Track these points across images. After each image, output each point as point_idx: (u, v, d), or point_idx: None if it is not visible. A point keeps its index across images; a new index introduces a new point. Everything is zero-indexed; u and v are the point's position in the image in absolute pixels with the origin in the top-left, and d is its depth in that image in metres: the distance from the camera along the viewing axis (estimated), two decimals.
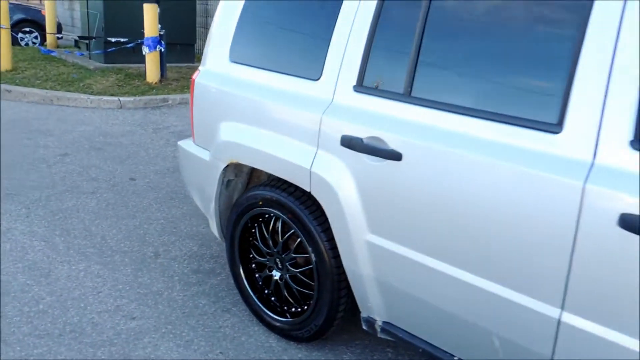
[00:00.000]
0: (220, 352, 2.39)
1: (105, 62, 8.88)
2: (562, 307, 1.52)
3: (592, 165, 1.42)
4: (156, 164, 4.85)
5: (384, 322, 2.11)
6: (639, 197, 1.33)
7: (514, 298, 1.61)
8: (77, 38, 10.29)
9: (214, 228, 2.69)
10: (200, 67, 2.60)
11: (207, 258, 3.22)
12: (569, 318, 1.51)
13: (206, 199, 2.64)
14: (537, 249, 1.52)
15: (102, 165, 4.70)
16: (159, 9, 7.80)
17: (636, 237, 1.34)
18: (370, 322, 2.14)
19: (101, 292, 2.80)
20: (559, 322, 1.53)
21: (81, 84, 7.56)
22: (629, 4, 1.40)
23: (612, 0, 1.42)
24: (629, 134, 1.38)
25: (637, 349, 1.39)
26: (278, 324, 2.46)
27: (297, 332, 2.39)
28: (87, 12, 9.41)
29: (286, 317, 2.45)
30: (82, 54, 9.67)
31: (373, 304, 2.08)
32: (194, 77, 2.59)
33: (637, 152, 1.36)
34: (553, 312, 1.53)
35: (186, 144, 2.73)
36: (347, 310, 2.28)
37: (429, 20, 1.77)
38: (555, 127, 1.49)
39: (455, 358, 1.90)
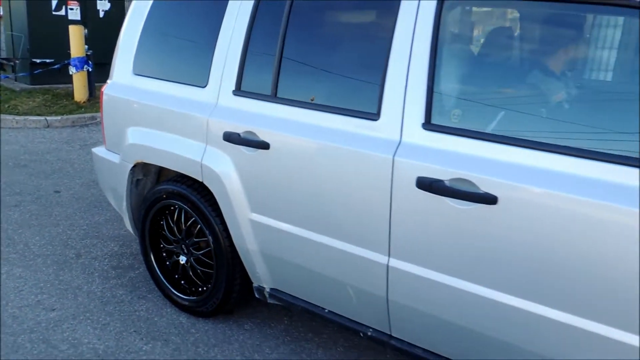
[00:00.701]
0: (134, 331, 2.70)
1: (32, 84, 8.91)
2: (389, 255, 1.96)
3: (399, 143, 1.88)
4: (82, 177, 5.06)
5: (271, 289, 2.50)
6: (428, 164, 1.79)
7: (356, 252, 2.04)
8: (2, 61, 10.23)
9: (128, 224, 3.01)
10: (109, 80, 2.93)
11: (127, 255, 3.51)
12: (395, 263, 1.95)
13: (119, 197, 2.95)
14: (366, 209, 1.96)
15: (26, 181, 4.87)
16: (86, 30, 7.98)
17: (428, 194, 1.79)
18: (260, 290, 2.53)
19: (22, 291, 3.04)
20: (387, 267, 1.97)
21: (6, 105, 7.60)
22: (419, 17, 1.87)
23: (407, 18, 1.89)
24: (421, 119, 1.84)
25: (453, 284, 1.82)
26: (186, 303, 2.80)
27: (202, 307, 2.74)
28: (12, 34, 9.42)
29: (193, 296, 2.79)
30: (7, 77, 9.63)
31: (260, 273, 2.47)
32: (103, 89, 2.92)
33: (427, 132, 1.83)
34: (382, 259, 1.97)
35: (99, 150, 3.04)
36: (243, 284, 2.64)
37: (287, 30, 2.20)
38: (374, 115, 1.95)
39: (326, 310, 2.31)
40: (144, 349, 2.56)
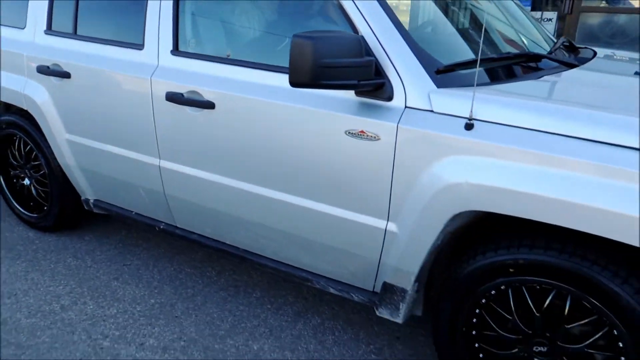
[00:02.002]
0: None
1: None
2: (159, 157, 2.47)
3: (157, 67, 2.37)
4: None
5: (95, 200, 2.98)
6: (173, 81, 2.29)
7: (138, 157, 2.54)
8: None
9: None
10: None
11: None
12: (164, 163, 2.46)
13: None
14: (140, 121, 2.45)
15: None
16: None
17: (174, 104, 2.29)
18: (87, 201, 3.01)
19: None
20: (159, 167, 2.48)
21: None
22: None
23: None
24: (170, 47, 2.34)
25: (201, 175, 2.33)
26: (33, 220, 3.26)
27: (44, 223, 3.21)
28: None
29: (38, 213, 3.25)
30: None
31: (83, 187, 2.95)
32: None
33: (174, 57, 2.32)
34: (155, 161, 2.48)
35: None
36: (76, 200, 3.11)
37: None
38: (140, 46, 2.42)
39: (133, 212, 2.82)
40: None
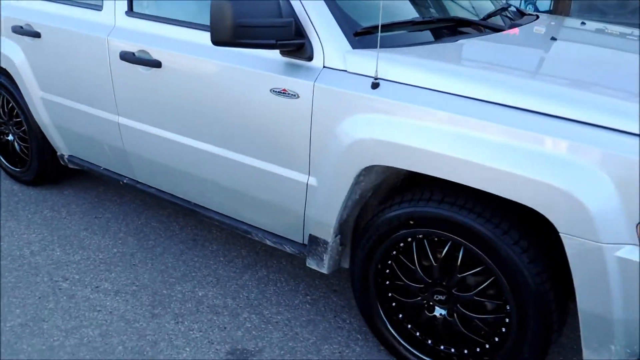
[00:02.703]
0: None
1: None
2: (118, 114, 2.62)
3: (113, 27, 2.50)
4: None
5: (69, 156, 3.17)
6: (125, 41, 2.42)
7: (100, 114, 2.69)
8: None
9: None
10: None
11: None
12: (122, 120, 2.61)
13: None
14: (100, 80, 2.60)
15: None
16: None
17: (127, 63, 2.43)
18: (62, 157, 3.19)
19: None
20: (118, 124, 2.64)
21: None
22: None
23: None
24: (126, 7, 2.46)
25: (153, 132, 2.48)
26: (17, 174, 3.47)
27: (26, 177, 3.42)
28: None
29: (18, 168, 3.46)
30: None
31: (58, 143, 3.13)
32: None
33: (129, 17, 2.45)
34: (115, 118, 2.63)
35: None
36: (53, 155, 3.30)
37: None
38: (100, 7, 2.56)
39: (102, 168, 3.00)
40: None
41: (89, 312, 2.37)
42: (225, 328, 2.31)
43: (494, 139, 1.58)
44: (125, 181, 2.88)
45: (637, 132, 1.44)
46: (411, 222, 1.83)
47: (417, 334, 2.02)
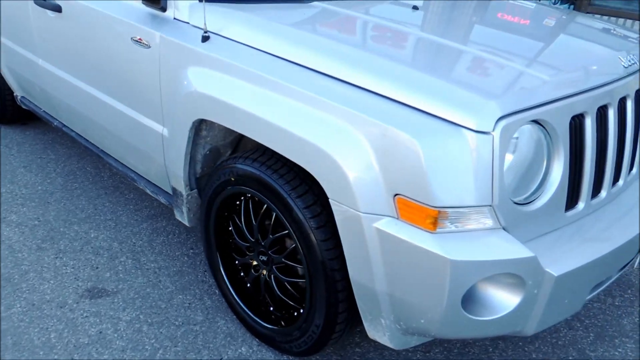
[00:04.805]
0: None
1: None
2: (38, 56, 2.74)
3: None
4: None
5: (21, 97, 3.35)
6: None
7: (28, 56, 2.83)
8: None
9: None
10: None
11: None
12: (41, 62, 2.73)
13: None
14: (23, 24, 2.72)
15: None
16: None
17: (38, 7, 2.53)
18: (16, 97, 3.38)
19: None
20: (39, 66, 2.76)
21: None
22: None
23: None
24: None
25: (61, 75, 2.59)
26: None
27: None
28: None
29: None
30: None
31: (11, 82, 3.32)
32: None
33: (38, 7, 2.54)
34: (37, 60, 2.76)
35: None
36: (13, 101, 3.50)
37: None
38: None
39: (42, 110, 3.16)
40: None
41: None
42: (97, 268, 2.41)
43: (288, 101, 1.55)
44: (55, 124, 3.02)
45: (401, 100, 1.37)
46: (232, 179, 1.82)
47: (249, 293, 2.03)
